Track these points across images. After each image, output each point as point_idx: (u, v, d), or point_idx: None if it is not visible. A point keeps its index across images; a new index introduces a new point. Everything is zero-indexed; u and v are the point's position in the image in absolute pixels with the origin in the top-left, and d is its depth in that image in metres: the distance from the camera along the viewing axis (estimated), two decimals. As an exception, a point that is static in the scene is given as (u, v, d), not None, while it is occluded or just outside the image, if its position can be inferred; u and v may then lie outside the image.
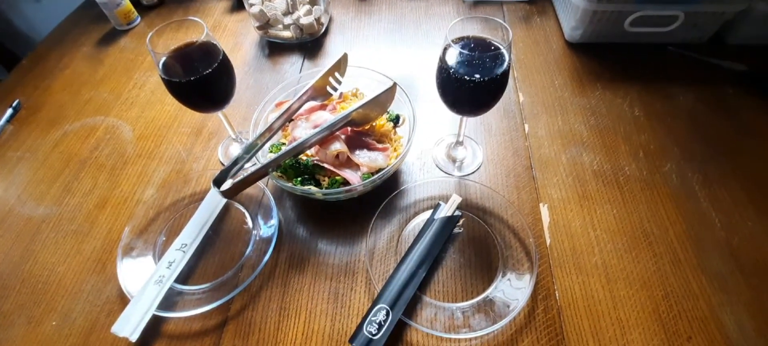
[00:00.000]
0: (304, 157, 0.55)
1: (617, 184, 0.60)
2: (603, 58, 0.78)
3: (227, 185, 0.49)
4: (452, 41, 0.45)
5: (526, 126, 0.68)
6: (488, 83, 0.46)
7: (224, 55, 0.53)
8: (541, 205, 0.59)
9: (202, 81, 0.50)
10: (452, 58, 0.46)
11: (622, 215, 0.57)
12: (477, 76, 0.45)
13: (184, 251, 0.54)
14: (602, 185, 0.60)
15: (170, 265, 0.53)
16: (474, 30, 0.50)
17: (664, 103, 0.70)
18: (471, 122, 0.69)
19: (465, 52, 0.45)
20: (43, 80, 0.84)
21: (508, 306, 0.48)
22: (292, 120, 0.59)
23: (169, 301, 0.52)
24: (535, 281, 0.49)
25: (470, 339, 0.47)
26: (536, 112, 0.70)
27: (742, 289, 0.50)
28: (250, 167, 0.51)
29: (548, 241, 0.55)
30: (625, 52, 0.79)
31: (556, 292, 0.51)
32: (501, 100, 0.52)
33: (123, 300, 0.53)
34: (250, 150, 0.53)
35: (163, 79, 0.51)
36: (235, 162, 0.51)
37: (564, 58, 0.79)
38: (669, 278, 0.51)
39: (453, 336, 0.47)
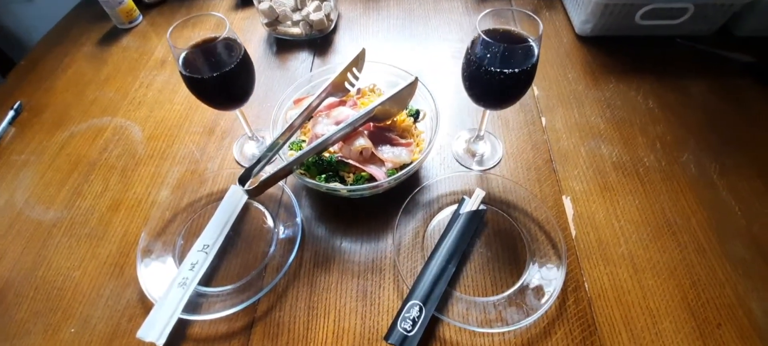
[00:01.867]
0: (327, 154, 0.54)
1: (637, 175, 0.61)
2: (613, 51, 0.79)
3: (251, 183, 0.48)
4: (482, 33, 0.45)
5: (544, 119, 0.68)
6: (518, 76, 0.46)
7: (245, 50, 0.52)
8: (563, 197, 0.59)
9: (224, 77, 0.48)
10: (482, 50, 0.46)
11: (644, 206, 0.57)
12: (507, 69, 0.45)
13: (206, 252, 0.53)
14: (623, 176, 0.61)
15: (193, 266, 0.52)
16: (503, 22, 0.49)
17: (677, 95, 0.71)
18: (489, 117, 0.69)
19: (495, 44, 0.44)
20: (45, 81, 0.81)
21: (540, 299, 0.48)
22: (312, 117, 0.58)
23: (194, 303, 0.51)
24: (565, 273, 0.49)
25: (504, 333, 0.47)
26: (552, 105, 0.71)
27: (765, 275, 0.51)
28: (271, 166, 0.50)
29: (574, 232, 0.55)
30: (635, 44, 0.79)
31: (585, 283, 0.51)
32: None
33: (144, 304, 0.52)
34: (273, 148, 0.51)
35: (183, 75, 0.49)
36: (259, 160, 0.50)
37: (575, 52, 0.79)
38: (695, 267, 0.52)
39: (488, 331, 0.47)
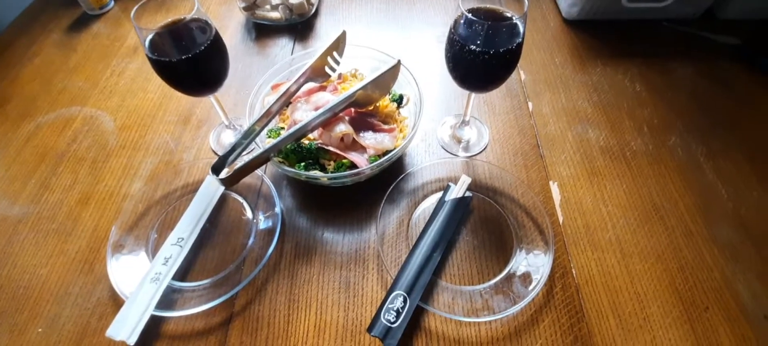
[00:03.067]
0: (307, 141, 0.52)
1: (625, 159, 0.60)
2: (600, 34, 0.78)
3: (226, 172, 0.46)
4: (466, 12, 0.43)
5: (530, 104, 0.67)
6: (503, 56, 0.44)
7: (216, 32, 0.49)
8: (551, 183, 0.58)
9: (194, 60, 0.46)
10: (465, 29, 0.44)
11: (631, 190, 0.57)
12: (492, 48, 0.43)
13: (180, 246, 0.51)
14: (610, 160, 0.60)
15: (167, 261, 0.49)
16: (486, 0, 0.47)
17: (664, 78, 0.70)
18: (474, 102, 0.67)
19: (479, 22, 0.42)
20: (10, 70, 0.77)
21: (527, 286, 0.47)
22: (291, 103, 0.56)
23: (168, 299, 0.49)
24: (552, 259, 0.48)
25: (491, 322, 0.46)
26: (539, 90, 0.69)
27: (753, 258, 0.50)
28: (248, 153, 0.48)
29: (561, 218, 0.54)
30: (621, 28, 0.78)
31: (573, 269, 0.50)
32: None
33: (116, 302, 0.49)
34: (249, 135, 0.49)
35: (149, 58, 0.47)
36: (234, 148, 0.47)
37: (562, 36, 0.78)
38: (682, 251, 0.51)
39: (474, 320, 0.45)
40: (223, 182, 0.46)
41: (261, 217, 0.55)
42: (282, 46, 0.78)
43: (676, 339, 0.45)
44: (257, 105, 0.57)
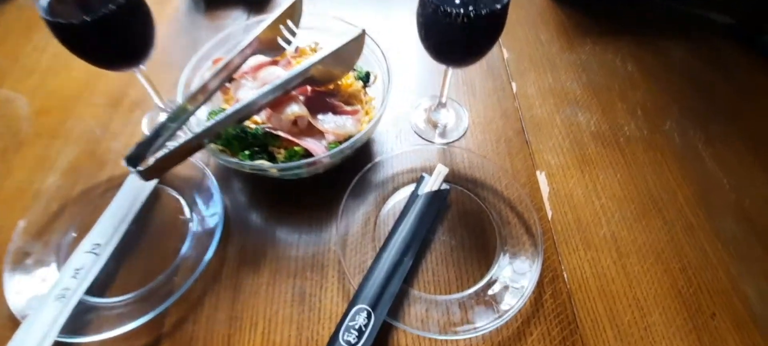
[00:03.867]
0: (253, 125, 0.43)
1: (618, 145, 0.54)
2: (588, 10, 0.71)
3: (147, 163, 0.37)
4: (440, -36, 0.35)
5: (514, 85, 0.60)
6: (485, 19, 0.36)
7: (136, -11, 0.39)
8: (538, 173, 0.51)
9: (103, 22, 0.36)
10: (439, -13, 0.36)
11: (626, 180, 0.50)
12: (472, 8, 0.36)
13: (96, 254, 0.42)
14: (602, 147, 0.53)
15: (77, 273, 0.40)
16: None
17: (657, 58, 0.64)
18: (453, 82, 0.60)
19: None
20: None
21: (512, 294, 0.40)
22: (234, 80, 0.47)
23: (79, 321, 0.39)
24: (541, 261, 0.41)
25: (470, 339, 0.39)
26: (523, 69, 0.62)
27: (759, 255, 0.45)
28: (175, 139, 0.39)
29: (550, 213, 0.47)
30: (611, 4, 0.72)
31: (564, 272, 0.43)
32: (484, 57, 0.44)
33: (15, 324, 0.40)
34: (179, 117, 0.40)
35: (46, 20, 0.37)
36: (158, 133, 0.38)
37: (548, 11, 0.71)
38: (684, 248, 0.45)
39: (451, 338, 0.38)
40: (143, 174, 0.37)
41: (200, 217, 0.46)
42: (235, 17, 0.69)
43: (681, 352, 0.39)
44: (194, 82, 0.48)
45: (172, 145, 0.37)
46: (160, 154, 0.36)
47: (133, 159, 0.37)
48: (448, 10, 0.36)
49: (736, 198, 0.49)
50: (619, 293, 0.42)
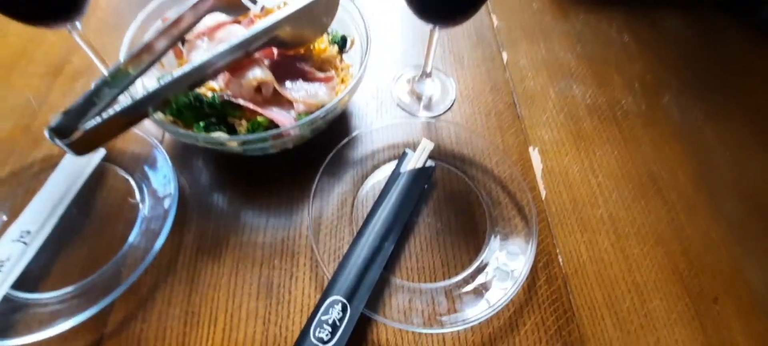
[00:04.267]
0: (209, 92, 0.38)
1: (615, 120, 0.50)
2: (582, -22, 0.67)
3: (77, 134, 0.31)
4: None
5: (505, 55, 0.55)
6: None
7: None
8: (530, 149, 0.47)
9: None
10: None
11: (624, 157, 0.47)
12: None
13: (25, 243, 0.36)
14: (598, 122, 0.50)
15: (2, 264, 0.34)
16: None
17: (653, 30, 0.61)
18: (439, 52, 0.55)
19: None
20: None
21: (504, 280, 0.36)
22: (187, 41, 0.41)
23: (7, 320, 0.34)
24: (535, 245, 0.37)
25: (458, 332, 0.35)
26: (514, 38, 0.57)
27: (762, 235, 0.42)
28: (112, 107, 0.33)
29: (543, 193, 0.44)
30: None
31: (559, 256, 0.40)
32: (472, 24, 0.39)
33: (-75, 326, 0.34)
34: (118, 81, 0.34)
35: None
36: (90, 99, 0.32)
37: (540, -22, 0.66)
38: (685, 229, 0.42)
39: (437, 331, 0.34)
40: (72, 147, 0.31)
41: (152, 200, 0.40)
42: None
43: (683, 340, 0.36)
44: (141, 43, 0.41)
45: (107, 113, 0.31)
46: (91, 123, 0.30)
47: (61, 130, 0.31)
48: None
49: (738, 176, 0.46)
50: (618, 277, 0.39)
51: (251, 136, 0.35)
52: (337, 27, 0.45)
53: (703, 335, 0.36)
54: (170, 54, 0.42)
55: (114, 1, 0.56)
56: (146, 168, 0.42)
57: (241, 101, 0.37)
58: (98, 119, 0.31)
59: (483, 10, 0.60)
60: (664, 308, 0.38)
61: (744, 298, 0.39)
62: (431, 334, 0.35)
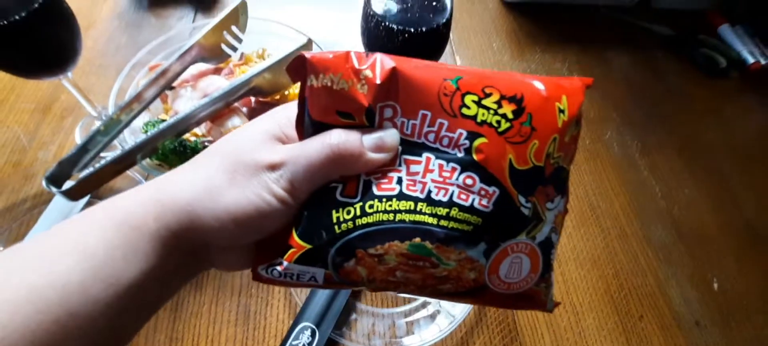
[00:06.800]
0: (192, 138, 0.42)
1: (562, 154, 0.56)
2: (539, 18, 0.73)
3: (71, 182, 0.34)
4: (381, -20, 0.34)
5: (466, 93, 0.61)
6: (426, 36, 0.36)
7: (56, -8, 0.36)
8: (485, 182, 0.52)
9: (13, 29, 0.33)
10: (382, 2, 0.36)
11: (568, 189, 0.53)
12: (413, 26, 0.36)
13: (19, 277, 0.39)
14: (547, 156, 0.55)
15: (-3, 299, 0.37)
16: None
17: (601, 68, 0.67)
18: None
19: (398, -6, 0.34)
20: None
21: (456, 305, 0.41)
22: (173, 88, 0.45)
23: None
24: (484, 273, 0.42)
25: (415, 351, 0.39)
26: (475, 77, 0.63)
27: (684, 260, 0.48)
28: (109, 154, 0.36)
29: (495, 223, 0.49)
30: (560, 11, 0.74)
31: (507, 281, 0.45)
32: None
33: None
34: (110, 129, 0.38)
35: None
36: (85, 147, 0.36)
37: (501, 19, 0.73)
38: (618, 254, 0.48)
39: (395, 352, 0.39)
40: (67, 194, 0.34)
41: (138, 232, 0.44)
42: (180, 16, 0.65)
43: (611, 354, 0.42)
44: (131, 91, 0.45)
45: (99, 162, 0.35)
46: (84, 173, 0.34)
47: (56, 179, 0.34)
48: (390, 27, 0.36)
49: (667, 206, 0.53)
50: (557, 298, 0.44)
51: (230, 180, 0.39)
52: (310, 72, 0.50)
53: (628, 349, 0.42)
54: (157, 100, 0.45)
55: (99, 43, 0.59)
56: (132, 203, 0.45)
57: (221, 147, 0.41)
58: (90, 169, 0.34)
59: (448, 51, 0.66)
60: (596, 326, 0.43)
61: (665, 316, 0.44)
62: (391, 354, 0.39)
